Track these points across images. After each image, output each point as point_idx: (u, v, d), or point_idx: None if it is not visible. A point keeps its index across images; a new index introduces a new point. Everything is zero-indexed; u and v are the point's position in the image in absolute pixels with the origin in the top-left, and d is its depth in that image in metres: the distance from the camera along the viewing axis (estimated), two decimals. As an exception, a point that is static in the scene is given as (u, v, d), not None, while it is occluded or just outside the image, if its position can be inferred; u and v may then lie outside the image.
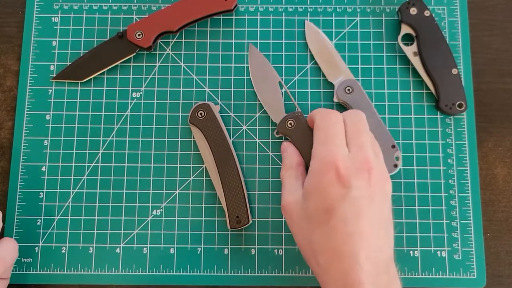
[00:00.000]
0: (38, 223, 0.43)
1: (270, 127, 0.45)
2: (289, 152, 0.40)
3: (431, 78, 0.44)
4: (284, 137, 0.43)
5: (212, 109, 0.43)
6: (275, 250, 0.43)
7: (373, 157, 0.35)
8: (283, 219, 0.43)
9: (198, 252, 0.43)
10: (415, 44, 0.44)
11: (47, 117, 0.45)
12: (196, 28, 0.47)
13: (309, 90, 0.46)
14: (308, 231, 0.34)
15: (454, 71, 0.44)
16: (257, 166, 0.44)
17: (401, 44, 0.45)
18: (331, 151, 0.34)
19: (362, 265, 0.31)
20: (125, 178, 0.44)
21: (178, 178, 0.44)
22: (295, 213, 0.36)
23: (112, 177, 0.44)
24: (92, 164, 0.44)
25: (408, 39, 0.45)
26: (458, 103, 0.43)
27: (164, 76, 0.46)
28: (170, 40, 0.47)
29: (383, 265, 0.32)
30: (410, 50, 0.45)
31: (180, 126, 0.45)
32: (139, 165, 0.44)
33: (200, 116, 0.43)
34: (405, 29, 0.44)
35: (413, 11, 0.44)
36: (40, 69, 0.46)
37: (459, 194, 0.44)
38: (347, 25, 0.47)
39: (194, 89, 0.46)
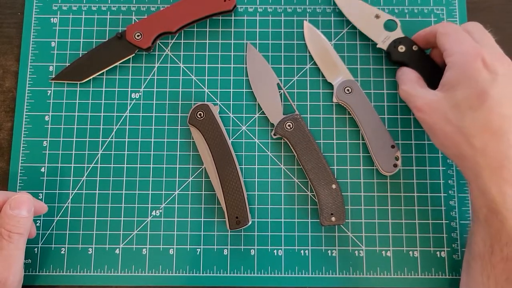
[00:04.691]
0: (38, 224, 0.43)
1: (269, 128, 0.45)
2: (405, 69, 0.43)
3: None
4: (282, 138, 0.43)
5: (211, 110, 0.43)
6: (275, 251, 0.43)
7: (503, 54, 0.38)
8: (282, 220, 0.43)
9: (198, 253, 0.43)
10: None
11: (46, 118, 0.45)
12: (195, 29, 0.47)
13: (308, 91, 0.46)
14: (457, 118, 0.36)
15: None
16: (256, 166, 0.44)
17: None
18: (471, 45, 0.37)
19: None
20: (124, 179, 0.44)
21: (177, 179, 0.44)
22: (435, 110, 0.37)
23: (111, 178, 0.44)
24: (92, 165, 0.44)
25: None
26: None
27: (163, 77, 0.46)
28: (169, 41, 0.47)
29: None
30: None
31: (179, 127, 0.45)
32: (138, 165, 0.44)
33: (199, 116, 0.43)
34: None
35: (401, 48, 0.44)
36: (39, 70, 0.46)
37: (459, 195, 0.44)
38: (346, 25, 0.47)
39: (193, 89, 0.46)
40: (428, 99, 0.38)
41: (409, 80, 0.41)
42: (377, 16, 0.45)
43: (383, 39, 0.45)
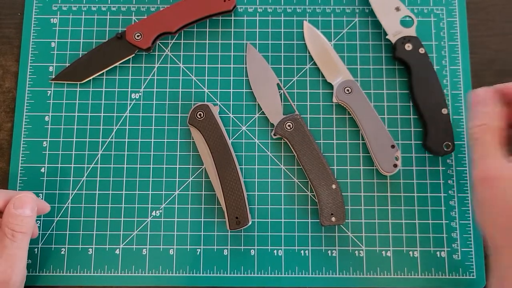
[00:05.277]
0: (38, 224, 0.43)
1: (269, 128, 0.45)
2: (491, 110, 0.33)
3: (420, 115, 0.44)
4: (282, 138, 0.43)
5: (211, 110, 0.43)
6: (275, 251, 0.43)
7: None
8: (282, 220, 0.43)
9: (198, 253, 0.43)
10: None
11: (46, 118, 0.45)
12: (195, 29, 0.47)
13: (308, 91, 0.46)
14: None
15: (444, 111, 0.43)
16: (256, 167, 0.44)
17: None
18: None
19: None
20: (124, 179, 0.44)
21: (177, 179, 0.44)
22: (502, 184, 0.30)
23: (111, 178, 0.44)
24: (91, 165, 0.44)
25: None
26: (445, 143, 0.43)
27: (163, 77, 0.46)
28: (169, 41, 0.47)
29: None
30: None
31: (179, 127, 0.45)
32: (138, 166, 0.44)
33: (199, 117, 0.43)
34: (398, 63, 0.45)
35: (408, 46, 0.44)
36: (39, 70, 0.46)
37: (458, 195, 0.44)
38: (346, 25, 0.47)
39: (193, 90, 0.46)
40: (500, 166, 0.30)
41: (489, 128, 0.32)
42: (397, 9, 0.45)
43: (394, 32, 0.44)
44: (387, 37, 0.45)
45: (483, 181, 0.31)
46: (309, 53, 0.46)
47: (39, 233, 0.43)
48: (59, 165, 0.44)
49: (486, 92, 0.33)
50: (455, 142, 0.43)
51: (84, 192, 0.44)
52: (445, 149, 0.43)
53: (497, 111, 0.32)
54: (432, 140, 0.43)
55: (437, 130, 0.43)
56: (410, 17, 0.45)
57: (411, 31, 0.44)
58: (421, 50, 0.44)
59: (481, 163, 0.31)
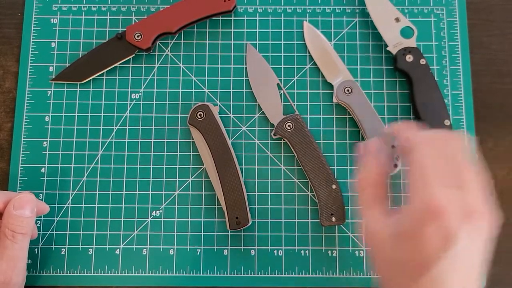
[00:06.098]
0: (38, 225, 0.43)
1: (269, 128, 0.45)
2: (369, 161, 0.34)
3: None
4: (282, 138, 0.43)
5: (211, 110, 0.43)
6: (275, 251, 0.43)
7: (483, 200, 0.29)
8: (282, 220, 0.43)
9: (198, 253, 0.43)
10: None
11: (46, 119, 0.45)
12: (195, 29, 0.47)
13: (308, 91, 0.46)
14: (396, 272, 0.29)
15: (447, 122, 0.43)
16: (256, 167, 0.44)
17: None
18: (437, 194, 0.28)
19: None
20: (124, 179, 0.44)
21: (177, 179, 0.44)
22: (382, 245, 0.30)
23: (111, 179, 0.44)
24: (92, 166, 0.44)
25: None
26: None
27: (163, 77, 0.46)
28: (169, 41, 0.47)
29: None
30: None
31: (179, 127, 0.45)
32: (138, 166, 0.44)
33: (199, 117, 0.43)
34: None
35: (409, 58, 0.44)
36: (39, 70, 0.46)
37: (459, 195, 0.44)
38: (346, 25, 0.47)
39: (193, 90, 0.46)
40: (379, 230, 0.30)
41: (368, 185, 0.33)
42: (397, 20, 0.44)
43: (395, 44, 0.44)
44: (387, 48, 0.45)
45: (366, 234, 0.32)
46: (309, 53, 0.46)
47: (40, 233, 0.43)
48: (59, 165, 0.44)
49: (372, 144, 0.34)
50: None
51: (84, 192, 0.44)
52: None
53: (382, 163, 0.33)
54: None
55: None
56: (410, 27, 0.45)
57: (412, 42, 0.44)
58: (422, 61, 0.44)
59: (365, 215, 0.32)
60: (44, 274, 0.42)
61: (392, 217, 0.30)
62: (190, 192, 0.44)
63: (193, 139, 0.44)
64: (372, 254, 0.32)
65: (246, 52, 0.46)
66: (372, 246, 0.32)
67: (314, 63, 0.46)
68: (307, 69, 0.46)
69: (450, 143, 0.30)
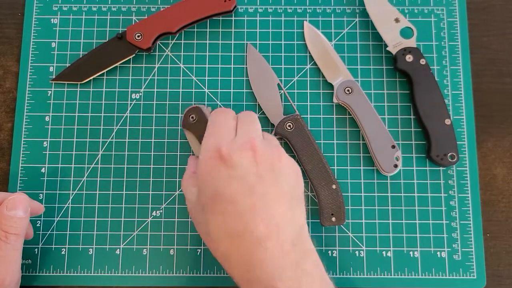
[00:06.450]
0: (38, 225, 0.43)
1: (270, 128, 0.45)
2: (189, 160, 0.40)
3: (423, 126, 0.44)
4: (282, 138, 0.43)
5: (203, 112, 0.42)
6: (275, 251, 0.43)
7: (258, 139, 0.34)
8: (282, 220, 0.43)
9: (198, 253, 0.43)
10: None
11: (47, 119, 0.45)
12: (195, 29, 0.47)
13: (308, 91, 0.46)
14: (204, 223, 0.33)
15: (447, 121, 0.43)
16: (256, 167, 0.44)
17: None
18: (216, 138, 0.34)
19: (262, 242, 0.30)
20: (124, 179, 0.44)
21: (177, 179, 0.44)
22: (193, 213, 0.35)
23: (111, 178, 0.44)
24: (92, 166, 0.44)
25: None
26: (450, 154, 0.42)
27: (164, 77, 0.46)
28: (170, 41, 0.47)
29: (289, 240, 0.31)
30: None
31: (179, 127, 0.45)
32: (138, 166, 0.44)
33: (192, 119, 0.42)
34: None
35: (409, 58, 0.44)
36: (39, 70, 0.46)
37: (459, 195, 0.44)
38: (346, 26, 0.47)
39: (193, 90, 0.46)
40: (190, 200, 0.36)
41: (189, 176, 0.37)
42: (397, 20, 0.44)
43: (395, 44, 0.44)
44: (387, 48, 0.45)
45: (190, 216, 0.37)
46: (309, 53, 0.46)
47: (40, 233, 0.43)
48: (60, 165, 0.44)
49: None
50: (456, 142, 0.44)
51: (84, 192, 0.44)
52: (449, 160, 0.42)
53: (192, 159, 0.40)
54: (436, 151, 0.43)
55: (441, 142, 0.43)
56: (410, 28, 0.45)
57: (412, 42, 0.44)
58: (422, 61, 0.44)
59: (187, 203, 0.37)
60: (44, 274, 0.42)
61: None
62: (190, 192, 0.44)
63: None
64: (195, 224, 0.36)
65: (246, 52, 0.46)
66: (191, 215, 0.36)
67: (315, 63, 0.46)
68: (307, 69, 0.46)
69: (242, 113, 0.38)
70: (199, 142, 0.42)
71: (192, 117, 0.42)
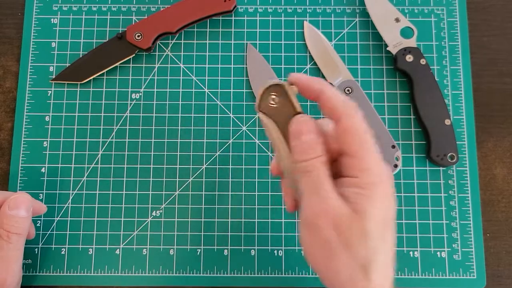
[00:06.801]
0: (38, 225, 0.43)
1: (270, 128, 0.45)
2: (317, 141, 0.29)
3: (423, 127, 0.44)
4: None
5: (286, 91, 0.30)
6: (275, 251, 0.43)
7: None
8: (282, 220, 0.43)
9: (198, 253, 0.43)
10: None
11: (47, 118, 0.45)
12: (195, 29, 0.47)
13: (308, 91, 0.46)
14: (361, 246, 0.28)
15: (447, 122, 0.43)
16: (256, 167, 0.44)
17: None
18: (386, 167, 0.30)
19: None
20: (124, 179, 0.44)
21: (177, 179, 0.44)
22: (343, 227, 0.27)
23: (111, 178, 0.44)
24: (92, 165, 0.44)
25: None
26: (450, 154, 0.43)
27: (164, 77, 0.46)
28: (170, 41, 0.47)
29: None
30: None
31: (179, 127, 0.45)
32: (138, 166, 0.44)
33: (274, 102, 0.30)
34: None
35: (409, 58, 0.44)
36: (39, 70, 0.46)
37: (459, 195, 0.44)
38: (346, 26, 0.47)
39: (193, 90, 0.46)
40: (336, 206, 0.27)
41: (320, 163, 0.28)
42: (397, 20, 0.44)
43: (395, 44, 0.44)
44: (387, 48, 0.45)
45: (318, 218, 0.27)
46: (309, 53, 0.46)
47: (40, 233, 0.43)
48: (60, 165, 0.44)
49: (310, 121, 0.29)
50: (456, 142, 0.43)
51: (84, 192, 0.44)
52: (449, 160, 0.42)
53: (322, 141, 0.29)
54: (436, 152, 0.43)
55: (440, 142, 0.43)
56: (410, 27, 0.45)
57: (412, 42, 0.44)
58: (422, 61, 0.44)
59: (316, 200, 0.28)
60: (44, 274, 0.42)
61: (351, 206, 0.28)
62: (190, 192, 0.44)
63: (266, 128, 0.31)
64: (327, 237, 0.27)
65: (246, 52, 0.46)
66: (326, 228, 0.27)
67: (315, 63, 0.46)
68: (307, 69, 0.46)
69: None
70: (281, 133, 0.30)
71: (274, 98, 0.30)
